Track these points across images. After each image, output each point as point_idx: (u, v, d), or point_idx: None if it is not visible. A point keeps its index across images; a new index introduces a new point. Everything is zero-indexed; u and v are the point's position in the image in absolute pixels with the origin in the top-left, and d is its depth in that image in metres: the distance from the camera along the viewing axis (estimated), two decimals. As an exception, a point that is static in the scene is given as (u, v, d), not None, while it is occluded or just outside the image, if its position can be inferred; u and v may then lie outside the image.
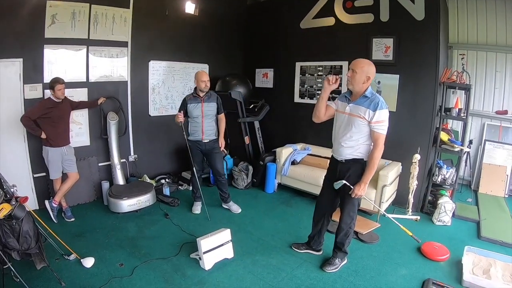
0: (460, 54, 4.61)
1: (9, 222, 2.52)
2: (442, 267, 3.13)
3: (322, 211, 3.13)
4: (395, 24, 4.18)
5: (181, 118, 3.86)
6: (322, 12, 4.82)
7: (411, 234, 3.04)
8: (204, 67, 5.47)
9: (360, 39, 4.47)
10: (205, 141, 3.98)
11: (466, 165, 4.66)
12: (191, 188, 4.53)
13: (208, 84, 3.89)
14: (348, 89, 2.81)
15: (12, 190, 2.75)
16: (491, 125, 5.02)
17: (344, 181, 2.75)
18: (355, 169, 2.76)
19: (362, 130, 2.67)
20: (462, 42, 4.84)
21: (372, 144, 2.70)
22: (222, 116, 4.14)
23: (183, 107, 3.96)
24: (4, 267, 2.55)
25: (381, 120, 2.58)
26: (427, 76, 4.05)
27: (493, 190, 4.80)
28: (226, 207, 4.33)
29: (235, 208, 4.29)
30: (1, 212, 2.47)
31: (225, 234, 3.16)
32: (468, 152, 4.56)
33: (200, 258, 3.01)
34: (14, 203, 2.56)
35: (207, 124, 3.94)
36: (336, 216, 3.16)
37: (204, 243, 2.97)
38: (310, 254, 3.30)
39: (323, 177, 3.14)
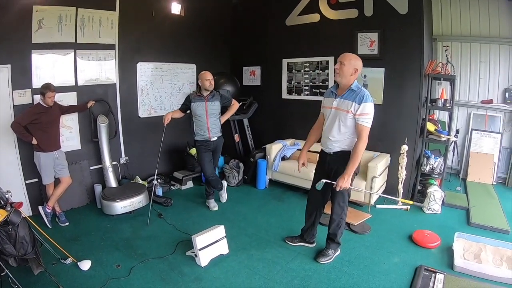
0: (444, 46, 4.70)
1: (5, 228, 2.52)
2: (434, 253, 3.21)
3: (314, 204, 3.19)
4: (379, 18, 4.25)
5: (168, 121, 3.94)
6: (307, 8, 4.87)
7: (412, 202, 3.20)
8: (192, 67, 5.49)
9: (345, 34, 4.53)
10: (213, 139, 4.04)
11: (454, 154, 4.76)
12: (183, 188, 4.89)
13: (213, 83, 3.94)
14: (335, 82, 2.87)
15: (6, 196, 2.74)
16: (477, 115, 5.13)
17: (324, 181, 2.81)
18: (343, 161, 2.81)
19: (349, 123, 2.73)
20: (446, 34, 4.94)
21: (356, 136, 2.76)
22: (234, 101, 4.24)
23: (187, 102, 4.00)
24: (2, 274, 2.55)
25: (366, 112, 2.64)
26: (412, 68, 4.13)
27: (481, 178, 4.92)
28: (206, 204, 4.42)
29: (212, 205, 4.36)
30: None
31: (219, 231, 3.21)
32: (455, 142, 4.66)
33: (196, 255, 3.05)
34: (9, 209, 2.56)
35: (211, 123, 3.99)
36: (327, 209, 3.21)
37: (199, 240, 3.01)
38: (303, 246, 3.36)
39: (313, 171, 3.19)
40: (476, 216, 3.85)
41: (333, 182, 2.78)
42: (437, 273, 2.81)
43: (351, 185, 2.84)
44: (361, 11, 4.36)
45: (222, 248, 3.20)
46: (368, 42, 4.35)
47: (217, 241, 3.15)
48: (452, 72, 4.12)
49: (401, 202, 3.26)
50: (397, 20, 4.11)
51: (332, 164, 2.88)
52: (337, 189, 2.77)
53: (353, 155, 2.72)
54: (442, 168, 4.28)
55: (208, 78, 3.89)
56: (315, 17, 4.82)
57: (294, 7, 5.00)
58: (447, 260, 3.06)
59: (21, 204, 2.74)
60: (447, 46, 4.48)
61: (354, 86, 2.71)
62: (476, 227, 3.68)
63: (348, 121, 2.72)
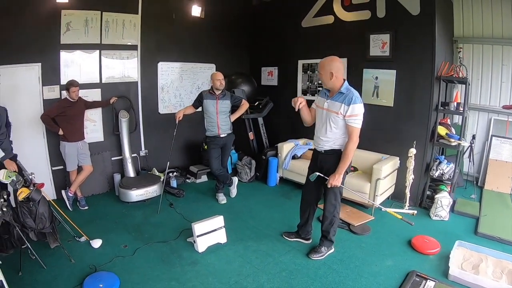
0: (457, 48, 4.52)
1: (27, 204, 2.91)
2: (431, 260, 3.16)
3: (308, 201, 3.29)
4: (392, 19, 4.21)
5: (180, 118, 4.20)
6: (322, 10, 4.92)
7: (400, 217, 3.05)
8: (211, 67, 5.71)
9: (358, 36, 4.52)
10: (222, 135, 4.25)
11: (470, 161, 4.57)
12: (197, 181, 5.18)
13: (223, 83, 4.17)
14: None
15: (30, 177, 3.14)
16: (498, 120, 4.87)
17: (317, 173, 2.91)
18: (333, 159, 2.91)
19: (339, 124, 2.81)
20: (467, 36, 4.74)
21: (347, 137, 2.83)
22: (243, 102, 4.43)
23: (200, 99, 4.24)
24: (23, 246, 2.93)
25: (355, 114, 2.71)
26: (423, 70, 4.06)
27: (499, 187, 4.67)
28: (216, 197, 4.61)
29: (221, 199, 4.54)
30: (20, 195, 2.88)
31: (218, 220, 3.40)
32: (471, 147, 4.48)
33: (194, 242, 3.27)
34: (31, 188, 2.96)
35: (221, 120, 4.21)
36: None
37: (198, 227, 3.24)
38: (299, 242, 3.46)
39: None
40: (485, 226, 3.71)
41: (326, 177, 2.88)
42: (428, 280, 2.77)
43: (342, 183, 2.92)
44: (374, 12, 4.34)
45: (220, 237, 3.40)
46: (380, 43, 4.32)
47: (215, 230, 3.35)
48: (465, 75, 3.98)
49: (388, 211, 3.18)
50: (409, 21, 4.05)
51: (324, 163, 2.98)
52: (329, 186, 2.87)
53: (344, 155, 2.81)
54: (453, 174, 4.15)
55: (219, 78, 4.12)
56: (329, 19, 4.85)
57: (310, 9, 5.06)
58: (443, 268, 2.99)
59: (42, 184, 3.13)
60: (460, 47, 4.30)
61: (344, 89, 2.77)
62: (482, 237, 3.54)
63: (338, 122, 2.80)
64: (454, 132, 4.20)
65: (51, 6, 4.06)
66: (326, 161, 2.96)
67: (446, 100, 4.38)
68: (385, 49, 4.29)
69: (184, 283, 2.81)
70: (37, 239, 3.08)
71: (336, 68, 2.75)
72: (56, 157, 4.36)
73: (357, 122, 2.74)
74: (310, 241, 3.45)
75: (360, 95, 4.36)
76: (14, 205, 3.04)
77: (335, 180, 2.82)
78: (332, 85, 2.79)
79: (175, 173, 5.16)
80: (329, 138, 2.89)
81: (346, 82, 2.80)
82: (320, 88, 5.12)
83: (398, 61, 4.24)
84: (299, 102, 2.95)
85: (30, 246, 2.89)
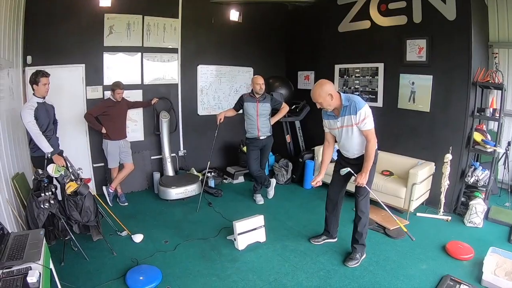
0: (492, 53, 4.47)
1: (74, 198, 3.11)
2: (465, 266, 3.17)
3: (333, 199, 3.39)
4: (428, 25, 4.22)
5: (221, 120, 4.30)
6: (359, 15, 4.95)
7: (406, 230, 3.09)
8: (249, 70, 5.86)
9: (394, 41, 4.56)
10: (262, 138, 4.36)
11: (505, 168, 4.51)
12: (234, 182, 5.34)
13: (263, 87, 4.27)
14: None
15: (78, 172, 3.33)
16: (536, 127, 4.80)
17: (349, 169, 3.03)
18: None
19: (358, 134, 2.93)
20: (502, 40, 4.67)
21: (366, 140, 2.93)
22: (284, 105, 4.53)
23: (241, 102, 4.35)
24: (66, 238, 3.13)
25: (363, 118, 2.82)
26: (459, 76, 4.05)
27: (534, 195, 4.60)
28: (253, 197, 4.71)
29: (258, 199, 4.64)
30: (68, 188, 3.07)
31: (259, 220, 3.51)
32: (506, 154, 4.43)
33: (234, 239, 3.39)
34: (79, 182, 3.15)
35: (261, 123, 4.31)
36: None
37: (239, 225, 3.35)
38: (331, 243, 3.52)
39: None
40: (519, 234, 3.69)
41: (355, 174, 3.00)
42: (462, 284, 2.79)
43: (370, 187, 3.06)
44: (410, 18, 4.36)
45: (260, 236, 3.50)
46: (416, 49, 4.34)
47: (255, 228, 3.46)
48: (502, 80, 3.95)
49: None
50: (445, 27, 4.06)
51: (356, 166, 3.06)
52: (355, 184, 2.99)
53: (365, 157, 2.94)
54: (488, 180, 4.14)
55: (259, 83, 4.22)
56: (366, 24, 4.88)
57: (346, 14, 5.11)
58: (476, 273, 3.00)
59: (89, 180, 3.35)
60: (496, 53, 4.23)
61: (345, 101, 2.85)
62: (516, 245, 3.53)
63: (355, 132, 2.92)
64: (490, 139, 4.18)
65: (95, 10, 4.28)
66: (360, 164, 3.03)
67: (482, 106, 4.36)
68: (421, 54, 4.31)
69: (225, 278, 2.92)
70: (80, 232, 3.28)
71: (330, 89, 2.83)
72: (97, 154, 4.58)
73: (367, 125, 2.84)
74: (337, 239, 3.55)
75: (397, 100, 4.49)
76: (60, 198, 3.22)
77: (362, 179, 2.92)
78: (335, 104, 2.87)
79: (212, 173, 5.31)
80: (356, 149, 3.03)
81: (342, 94, 2.88)
82: (357, 93, 5.17)
83: (435, 66, 4.24)
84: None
85: (74, 238, 3.07)
